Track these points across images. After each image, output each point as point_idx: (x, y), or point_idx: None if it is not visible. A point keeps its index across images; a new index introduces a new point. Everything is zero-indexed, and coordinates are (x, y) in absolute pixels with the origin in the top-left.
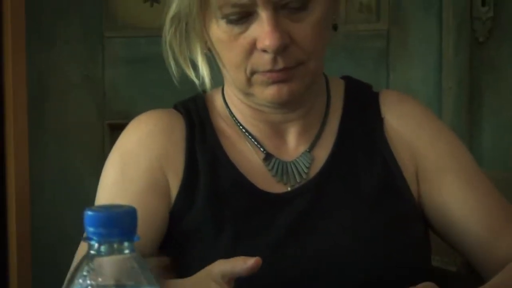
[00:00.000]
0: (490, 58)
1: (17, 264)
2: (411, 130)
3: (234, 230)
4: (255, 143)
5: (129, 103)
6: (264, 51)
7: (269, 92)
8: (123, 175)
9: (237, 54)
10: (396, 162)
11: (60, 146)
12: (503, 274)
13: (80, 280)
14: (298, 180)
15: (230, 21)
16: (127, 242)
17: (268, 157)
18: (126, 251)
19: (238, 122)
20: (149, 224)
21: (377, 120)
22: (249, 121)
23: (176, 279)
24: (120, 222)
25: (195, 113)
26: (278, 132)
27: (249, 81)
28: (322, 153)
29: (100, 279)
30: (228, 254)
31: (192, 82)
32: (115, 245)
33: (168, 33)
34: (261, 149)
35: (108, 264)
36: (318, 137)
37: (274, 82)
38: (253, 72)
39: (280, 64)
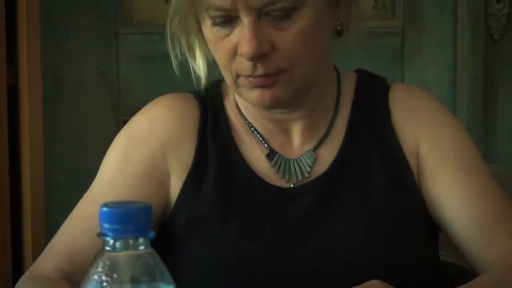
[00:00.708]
0: (505, 55)
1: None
2: (417, 124)
3: (241, 223)
4: (260, 138)
5: (144, 100)
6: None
7: (253, 95)
8: (125, 157)
9: (223, 56)
10: (405, 157)
11: (74, 143)
12: (482, 278)
13: (96, 276)
14: (300, 179)
15: (215, 23)
16: (142, 238)
17: (271, 153)
18: (141, 247)
19: (244, 116)
20: None
21: (386, 114)
22: (254, 117)
23: None
24: (135, 218)
25: (210, 101)
26: (283, 129)
27: (235, 83)
28: (330, 151)
29: (115, 275)
30: (233, 246)
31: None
32: (130, 241)
33: (170, 26)
34: (265, 145)
35: (123, 260)
36: (325, 135)
37: (256, 87)
38: (237, 75)
39: (260, 71)
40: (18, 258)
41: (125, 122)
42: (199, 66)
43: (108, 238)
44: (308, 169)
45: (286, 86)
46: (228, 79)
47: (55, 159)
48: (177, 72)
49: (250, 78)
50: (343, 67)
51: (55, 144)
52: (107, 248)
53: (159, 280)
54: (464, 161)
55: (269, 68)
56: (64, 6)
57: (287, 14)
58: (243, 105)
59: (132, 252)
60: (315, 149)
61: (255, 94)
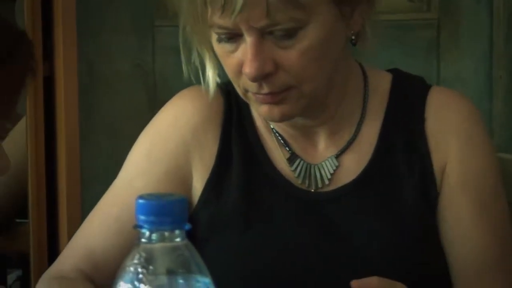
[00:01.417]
0: None
1: None
2: (450, 139)
3: (264, 226)
4: (282, 141)
5: None
6: None
7: (261, 111)
8: (148, 155)
9: (229, 71)
10: (433, 171)
11: (110, 135)
12: None
13: (131, 268)
14: (319, 185)
15: (220, 39)
16: (178, 230)
17: (292, 157)
18: (177, 239)
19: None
20: None
21: (420, 122)
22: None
23: None
24: (171, 210)
25: (234, 95)
26: (306, 134)
27: (245, 96)
28: (357, 158)
29: (151, 267)
30: (256, 251)
31: None
32: (166, 234)
33: (182, 33)
34: (287, 148)
35: (159, 252)
36: (351, 141)
37: (263, 103)
38: (246, 90)
39: (265, 89)
40: (54, 252)
41: None
42: (209, 77)
43: (144, 230)
44: (329, 176)
45: (295, 102)
46: (238, 91)
47: (91, 151)
48: (188, 74)
49: (257, 95)
50: (377, 60)
51: (91, 137)
52: (143, 240)
53: (195, 272)
54: (484, 193)
55: (274, 87)
56: None
57: (291, 34)
58: None
59: (168, 244)
60: (338, 155)
61: (263, 109)
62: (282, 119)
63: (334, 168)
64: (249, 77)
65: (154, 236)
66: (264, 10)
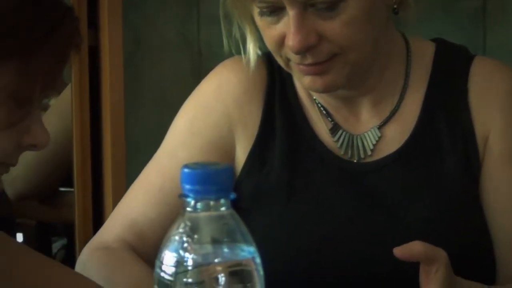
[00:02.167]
0: None
1: None
2: (492, 109)
3: (308, 197)
4: (324, 112)
5: None
6: None
7: (305, 82)
8: (191, 126)
9: (271, 43)
10: (476, 141)
11: (155, 104)
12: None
13: (177, 237)
14: (362, 156)
15: (262, 13)
16: (224, 199)
17: (335, 128)
18: (223, 208)
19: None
20: None
21: (463, 92)
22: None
23: None
24: (216, 179)
25: (277, 64)
26: (348, 104)
27: (287, 66)
28: (400, 128)
29: (196, 236)
30: (301, 222)
31: None
32: (212, 203)
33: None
34: (329, 119)
35: (204, 221)
36: (394, 110)
37: (307, 74)
38: (288, 59)
39: (309, 60)
40: (99, 221)
41: None
42: (249, 50)
43: (189, 199)
44: (372, 147)
45: (338, 72)
46: (280, 62)
47: (136, 121)
48: (229, 47)
49: (301, 66)
50: (424, 29)
51: (136, 106)
52: (188, 209)
53: (240, 241)
54: None
55: (318, 57)
56: None
57: (333, 6)
58: None
59: (213, 213)
60: (381, 125)
61: (306, 80)
62: (325, 90)
63: (377, 138)
64: (293, 50)
65: (199, 205)
66: None
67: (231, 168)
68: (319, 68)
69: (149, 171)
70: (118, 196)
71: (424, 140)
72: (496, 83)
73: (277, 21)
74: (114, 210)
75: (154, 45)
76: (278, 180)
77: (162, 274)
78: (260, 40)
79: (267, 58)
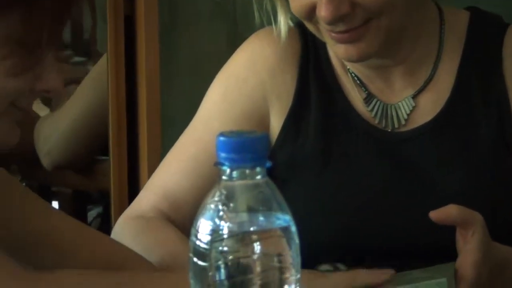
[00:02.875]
0: None
1: None
2: None
3: (343, 166)
4: (358, 82)
5: None
6: None
7: (337, 51)
8: (225, 97)
9: (301, 13)
10: (510, 112)
11: (191, 74)
12: None
13: (212, 206)
14: (396, 126)
15: None
16: (259, 167)
17: (369, 97)
18: (258, 177)
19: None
20: None
21: (497, 62)
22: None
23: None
24: (252, 147)
25: (311, 37)
26: (382, 74)
27: (318, 31)
28: (434, 98)
29: (231, 204)
30: (336, 192)
31: None
32: (247, 171)
33: None
34: (363, 88)
35: (240, 189)
36: (428, 80)
37: (339, 42)
38: (318, 27)
39: (342, 27)
40: (135, 190)
41: None
42: (280, 22)
43: (225, 168)
44: (406, 116)
45: (371, 39)
46: (311, 29)
47: (172, 90)
48: (261, 19)
49: (332, 34)
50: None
51: (172, 76)
52: (224, 177)
53: (275, 210)
54: None
55: (352, 23)
56: None
57: None
58: None
59: (248, 182)
60: (415, 95)
61: (339, 49)
62: (359, 58)
63: (411, 108)
64: (325, 21)
65: (234, 173)
66: None
67: (266, 136)
68: (351, 35)
69: (184, 141)
70: (153, 165)
71: (459, 110)
72: None
73: None
74: (149, 179)
75: (189, 14)
76: (312, 150)
77: (198, 242)
78: (291, 11)
79: (300, 28)
